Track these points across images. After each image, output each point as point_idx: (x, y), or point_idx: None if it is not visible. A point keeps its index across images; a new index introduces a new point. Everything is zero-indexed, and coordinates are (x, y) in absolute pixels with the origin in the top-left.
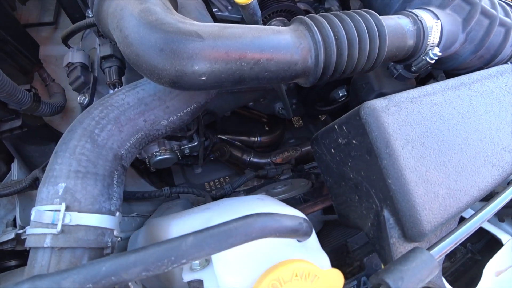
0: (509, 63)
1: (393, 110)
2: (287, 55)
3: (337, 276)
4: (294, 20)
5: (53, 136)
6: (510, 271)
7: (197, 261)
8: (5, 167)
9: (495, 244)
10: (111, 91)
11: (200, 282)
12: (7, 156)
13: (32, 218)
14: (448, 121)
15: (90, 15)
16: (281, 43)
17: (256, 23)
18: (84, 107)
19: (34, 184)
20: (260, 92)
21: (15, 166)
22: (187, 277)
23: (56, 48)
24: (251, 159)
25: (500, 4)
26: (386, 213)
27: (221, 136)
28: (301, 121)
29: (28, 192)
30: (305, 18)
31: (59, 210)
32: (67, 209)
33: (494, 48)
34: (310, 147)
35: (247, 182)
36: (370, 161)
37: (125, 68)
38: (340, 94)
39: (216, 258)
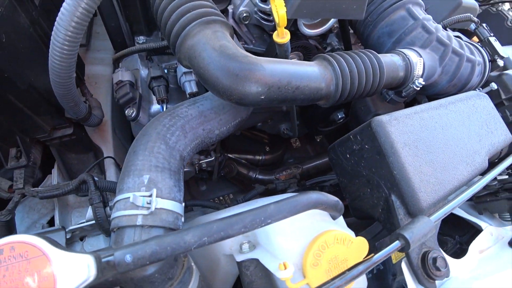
0: (476, 90)
1: (394, 123)
2: (317, 82)
3: (364, 243)
4: (318, 56)
5: (91, 146)
6: (490, 250)
7: (246, 245)
8: (40, 174)
9: (478, 235)
10: (153, 106)
11: (252, 260)
12: (42, 164)
13: (130, 200)
14: (432, 131)
15: (140, 42)
16: (313, 74)
17: (286, 57)
18: (132, 119)
19: (79, 187)
20: (269, 114)
21: (55, 171)
22: (239, 258)
23: (88, 68)
24: (256, 176)
25: (466, 45)
26: (393, 197)
27: (229, 155)
28: (298, 143)
29: (64, 197)
30: (327, 55)
31: (147, 196)
32: (153, 199)
33: (464, 79)
34: (309, 165)
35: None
36: (379, 159)
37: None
38: (339, 116)
39: (275, 232)
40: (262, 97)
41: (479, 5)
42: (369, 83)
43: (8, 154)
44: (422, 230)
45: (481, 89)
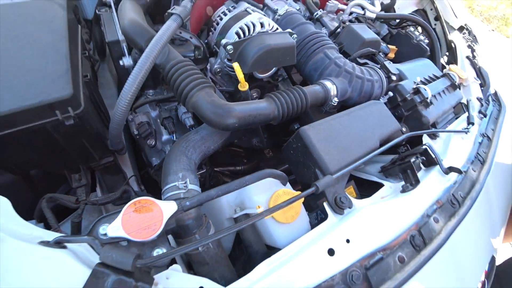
0: (380, 98)
1: (311, 129)
2: (267, 112)
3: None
4: (267, 95)
5: (119, 169)
6: (389, 197)
7: (238, 208)
8: (89, 192)
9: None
10: (164, 136)
11: (242, 215)
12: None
13: (176, 185)
14: (337, 130)
15: (151, 95)
16: (264, 107)
17: (247, 97)
18: (152, 146)
19: (122, 196)
20: (242, 132)
21: (98, 189)
22: (235, 216)
23: None
24: None
25: (366, 69)
26: (317, 170)
27: (215, 169)
28: (271, 153)
29: (106, 206)
30: (271, 95)
31: (183, 183)
32: (187, 183)
33: (368, 92)
34: (280, 169)
35: None
36: (306, 151)
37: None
38: (296, 127)
39: (252, 193)
40: (236, 124)
41: (393, 28)
42: (299, 107)
43: (71, 178)
44: (327, 180)
45: (384, 96)
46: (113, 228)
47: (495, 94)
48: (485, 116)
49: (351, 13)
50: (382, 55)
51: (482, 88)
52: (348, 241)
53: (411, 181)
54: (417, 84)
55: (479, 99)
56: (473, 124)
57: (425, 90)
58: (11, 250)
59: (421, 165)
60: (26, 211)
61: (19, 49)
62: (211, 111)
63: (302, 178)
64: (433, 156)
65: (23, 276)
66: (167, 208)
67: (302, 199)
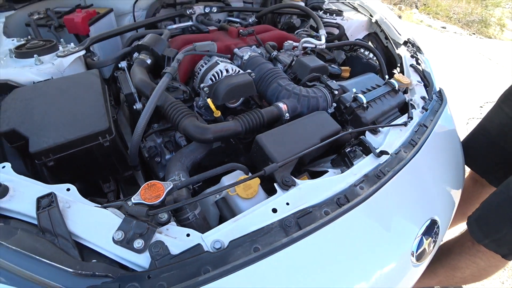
0: (328, 109)
1: (264, 136)
2: (233, 128)
3: (258, 180)
4: (234, 118)
5: (136, 182)
6: (333, 176)
7: (218, 196)
8: (116, 197)
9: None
10: (167, 155)
11: (220, 199)
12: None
13: (175, 178)
14: (286, 133)
15: (155, 127)
16: (232, 125)
17: (222, 120)
18: (158, 162)
19: None
20: (231, 151)
21: (121, 196)
22: (215, 199)
23: None
24: None
25: (313, 89)
26: (269, 162)
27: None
28: None
29: None
30: (237, 117)
31: (179, 177)
32: (181, 177)
33: (315, 106)
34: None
35: None
36: (262, 151)
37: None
38: None
39: (224, 182)
40: (212, 138)
41: (347, 52)
42: (258, 123)
43: (103, 186)
44: (272, 166)
45: (331, 107)
46: (135, 198)
47: (439, 91)
48: (426, 110)
49: (305, 48)
50: (325, 77)
51: (427, 88)
52: (287, 203)
53: (348, 165)
54: (355, 94)
55: (423, 98)
56: (412, 118)
57: (361, 97)
58: (80, 208)
59: (363, 154)
60: None
61: (75, 102)
62: (194, 131)
63: (261, 165)
64: (367, 145)
65: (86, 220)
66: (167, 185)
67: (259, 180)
